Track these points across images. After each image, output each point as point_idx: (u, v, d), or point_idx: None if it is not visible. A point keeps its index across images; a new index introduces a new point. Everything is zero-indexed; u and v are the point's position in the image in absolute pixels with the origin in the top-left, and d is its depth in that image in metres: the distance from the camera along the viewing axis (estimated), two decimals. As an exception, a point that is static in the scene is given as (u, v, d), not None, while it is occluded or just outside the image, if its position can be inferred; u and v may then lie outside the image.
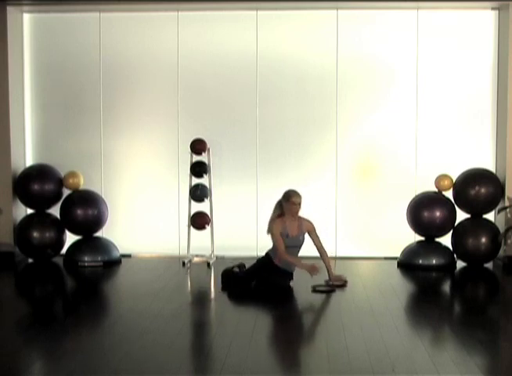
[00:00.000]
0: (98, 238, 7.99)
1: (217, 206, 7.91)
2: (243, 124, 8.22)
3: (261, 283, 6.49)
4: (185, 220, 7.87)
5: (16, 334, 5.30)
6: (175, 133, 8.26)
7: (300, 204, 6.52)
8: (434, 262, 7.53)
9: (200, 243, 7.83)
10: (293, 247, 6.53)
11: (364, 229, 8.20)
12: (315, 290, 6.35)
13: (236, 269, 6.81)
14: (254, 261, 6.72)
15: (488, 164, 7.96)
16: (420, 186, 7.91)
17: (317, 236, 6.67)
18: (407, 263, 7.59)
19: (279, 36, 8.15)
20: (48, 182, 7.80)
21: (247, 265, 6.82)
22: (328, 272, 6.60)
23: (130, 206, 8.35)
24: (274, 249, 6.53)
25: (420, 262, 7.54)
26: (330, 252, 7.99)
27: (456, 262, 7.62)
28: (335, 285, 6.48)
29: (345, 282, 6.60)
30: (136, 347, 4.77)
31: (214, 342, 4.99)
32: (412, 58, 8.09)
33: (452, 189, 7.70)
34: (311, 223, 6.64)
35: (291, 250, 6.49)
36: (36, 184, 7.76)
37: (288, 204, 6.51)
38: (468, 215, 7.69)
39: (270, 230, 6.51)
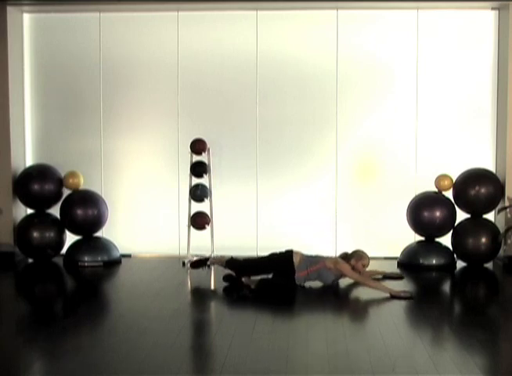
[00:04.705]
0: (98, 238, 7.99)
1: (217, 206, 7.91)
2: (243, 124, 8.21)
3: (264, 282, 6.51)
4: (185, 220, 7.87)
5: (16, 334, 5.30)
6: (175, 133, 8.26)
7: (367, 266, 6.72)
8: (434, 262, 7.53)
9: (200, 243, 7.83)
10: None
11: (364, 229, 8.20)
12: (392, 296, 6.17)
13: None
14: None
15: (488, 164, 7.96)
16: (420, 186, 7.91)
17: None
18: (407, 263, 7.59)
19: (279, 36, 8.14)
20: (48, 182, 7.80)
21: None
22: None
23: (130, 206, 8.35)
24: (301, 267, 6.52)
25: (420, 262, 7.54)
26: (331, 252, 8.02)
27: (456, 262, 7.62)
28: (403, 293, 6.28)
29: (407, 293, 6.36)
30: (136, 347, 4.77)
31: (214, 342, 4.99)
32: (412, 58, 8.09)
33: (452, 189, 7.70)
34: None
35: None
36: (36, 184, 7.75)
37: (358, 264, 6.60)
38: (468, 215, 7.69)
39: (339, 266, 6.50)
